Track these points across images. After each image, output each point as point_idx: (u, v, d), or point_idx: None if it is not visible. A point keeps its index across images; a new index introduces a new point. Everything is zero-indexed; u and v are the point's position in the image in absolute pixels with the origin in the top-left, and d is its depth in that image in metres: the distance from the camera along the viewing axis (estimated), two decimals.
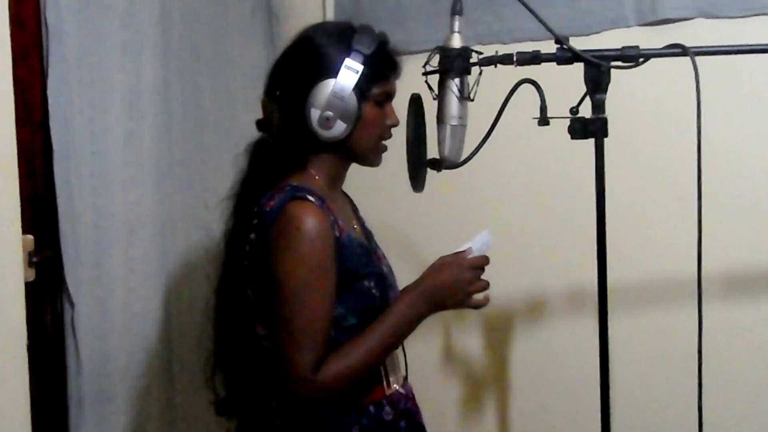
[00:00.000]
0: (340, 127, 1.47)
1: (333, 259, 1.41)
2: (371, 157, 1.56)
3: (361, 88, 1.46)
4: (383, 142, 1.56)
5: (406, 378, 1.62)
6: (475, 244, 1.52)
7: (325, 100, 1.44)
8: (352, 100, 1.45)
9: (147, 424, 2.13)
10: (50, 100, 1.88)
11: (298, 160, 1.53)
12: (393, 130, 1.56)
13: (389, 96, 1.54)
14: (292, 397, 1.39)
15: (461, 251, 1.52)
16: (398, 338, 1.47)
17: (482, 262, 1.50)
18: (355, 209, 1.71)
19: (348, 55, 1.45)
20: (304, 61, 1.49)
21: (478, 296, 1.50)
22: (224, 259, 1.56)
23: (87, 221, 1.96)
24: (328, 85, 1.45)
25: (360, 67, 1.45)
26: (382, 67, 1.51)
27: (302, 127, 1.48)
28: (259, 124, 1.58)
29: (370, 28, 1.51)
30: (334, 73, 1.45)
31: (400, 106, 1.55)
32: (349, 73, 1.44)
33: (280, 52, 1.57)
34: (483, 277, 1.50)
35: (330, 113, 1.45)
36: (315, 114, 1.45)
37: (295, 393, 1.38)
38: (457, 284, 1.47)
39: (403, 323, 1.45)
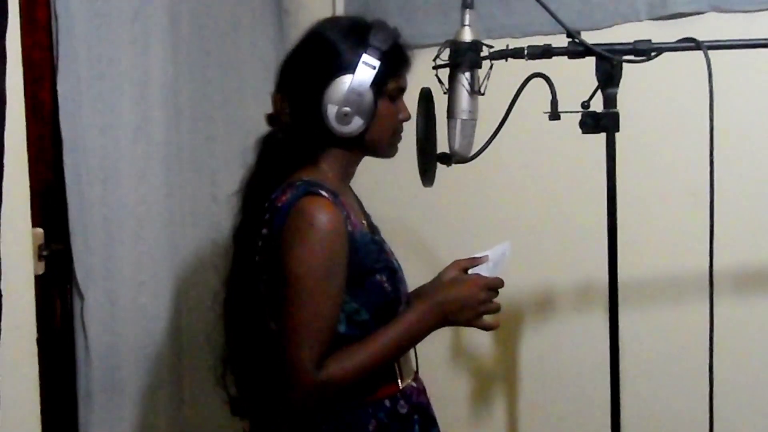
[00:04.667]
0: (357, 123, 1.46)
1: (345, 255, 1.40)
2: (385, 150, 1.56)
3: (377, 84, 1.45)
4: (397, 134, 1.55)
5: (417, 372, 1.62)
6: (492, 253, 1.51)
7: (343, 96, 1.43)
8: (369, 95, 1.44)
9: (156, 416, 2.13)
10: (60, 94, 1.88)
11: (308, 154, 1.53)
12: (404, 124, 1.56)
13: (402, 91, 1.54)
14: (290, 391, 1.38)
15: (477, 257, 1.51)
16: (404, 346, 1.48)
17: (497, 284, 1.51)
18: (360, 204, 1.69)
19: (365, 51, 1.44)
20: (319, 56, 1.48)
21: (489, 318, 1.50)
22: (234, 255, 1.56)
23: (96, 214, 1.97)
24: (346, 81, 1.43)
25: (377, 63, 1.44)
26: (396, 62, 1.50)
27: (316, 123, 1.47)
28: (270, 119, 1.57)
29: (385, 24, 1.50)
30: (351, 69, 1.44)
31: (410, 100, 1.54)
32: (367, 68, 1.43)
33: (292, 46, 1.55)
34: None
35: (348, 109, 1.44)
36: (332, 110, 1.44)
37: (294, 388, 1.37)
38: (469, 302, 1.48)
39: (410, 333, 1.45)
